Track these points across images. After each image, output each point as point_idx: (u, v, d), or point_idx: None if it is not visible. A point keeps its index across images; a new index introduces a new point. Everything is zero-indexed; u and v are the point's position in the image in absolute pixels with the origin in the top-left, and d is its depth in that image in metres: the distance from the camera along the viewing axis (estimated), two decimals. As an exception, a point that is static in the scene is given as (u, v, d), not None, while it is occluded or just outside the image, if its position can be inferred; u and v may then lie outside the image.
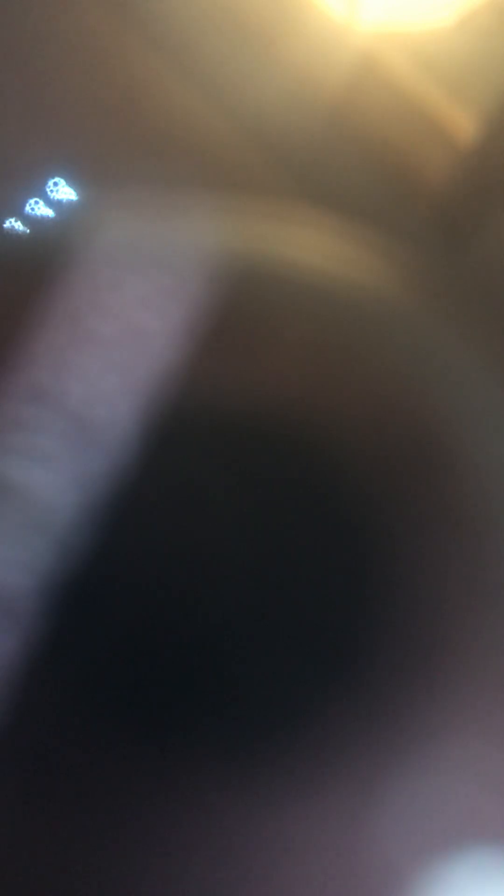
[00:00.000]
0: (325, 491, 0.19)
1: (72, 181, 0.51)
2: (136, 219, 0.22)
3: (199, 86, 0.50)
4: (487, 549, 0.20)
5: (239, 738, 0.18)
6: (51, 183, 0.51)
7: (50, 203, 0.50)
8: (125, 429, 0.19)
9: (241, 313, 0.20)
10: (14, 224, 0.49)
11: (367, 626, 0.19)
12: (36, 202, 0.51)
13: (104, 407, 0.19)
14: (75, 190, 0.51)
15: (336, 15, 0.49)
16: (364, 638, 0.19)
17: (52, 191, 0.51)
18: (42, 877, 0.18)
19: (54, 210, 0.50)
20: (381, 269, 0.22)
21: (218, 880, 0.18)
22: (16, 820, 0.18)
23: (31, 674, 0.18)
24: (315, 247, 0.22)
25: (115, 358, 0.20)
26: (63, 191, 0.51)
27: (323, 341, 0.21)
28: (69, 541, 0.19)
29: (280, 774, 0.18)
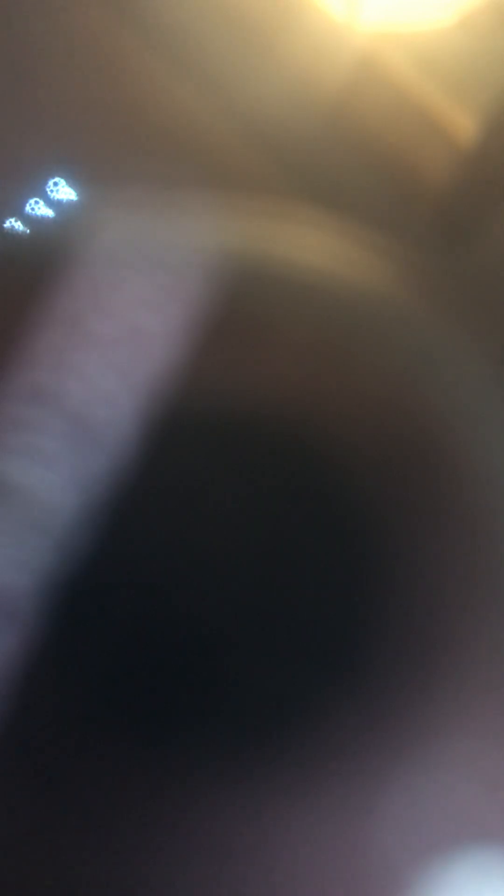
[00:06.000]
0: (325, 491, 0.19)
1: (72, 181, 0.51)
2: (136, 219, 0.22)
3: (199, 86, 0.50)
4: (487, 549, 0.20)
5: (239, 738, 0.18)
6: (51, 183, 0.51)
7: (50, 203, 0.50)
8: (125, 429, 0.19)
9: (241, 313, 0.20)
10: (14, 224, 0.49)
11: (366, 625, 0.19)
12: (36, 202, 0.51)
13: (104, 407, 0.19)
14: (75, 190, 0.51)
15: (336, 15, 0.49)
16: (364, 637, 0.19)
17: (52, 191, 0.51)
18: (42, 876, 0.18)
19: (54, 210, 0.50)
20: (381, 269, 0.22)
21: (218, 880, 0.18)
22: (16, 819, 0.18)
23: (31, 674, 0.18)
24: (315, 247, 0.22)
25: (115, 358, 0.20)
26: (63, 191, 0.51)
27: (323, 341, 0.21)
28: (69, 541, 0.19)
29: (280, 774, 0.18)
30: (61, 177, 0.51)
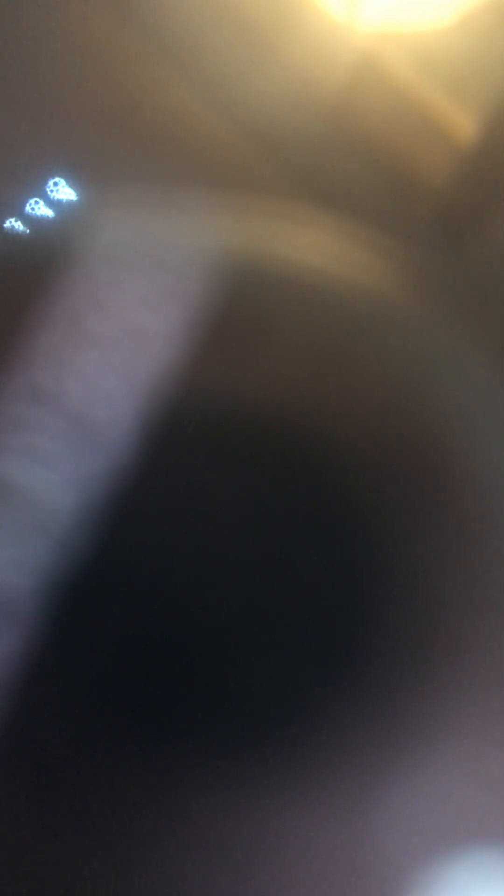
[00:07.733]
0: (324, 490, 0.19)
1: (72, 181, 0.51)
2: (136, 219, 0.22)
3: (199, 86, 0.50)
4: (487, 549, 0.20)
5: (240, 738, 0.18)
6: (51, 183, 0.51)
7: (50, 203, 0.51)
8: (125, 429, 0.19)
9: (241, 313, 0.20)
10: (14, 224, 0.49)
11: (367, 625, 0.19)
12: (36, 202, 0.51)
13: (104, 407, 0.19)
14: (75, 190, 0.51)
15: (336, 15, 0.49)
16: (364, 638, 0.19)
17: (52, 191, 0.51)
18: (43, 876, 0.18)
19: (54, 210, 0.50)
20: (380, 269, 0.22)
21: (218, 879, 0.18)
22: (16, 819, 0.18)
23: (31, 674, 0.18)
24: (315, 247, 0.22)
25: (115, 358, 0.20)
26: (63, 191, 0.51)
27: (322, 340, 0.21)
28: (69, 541, 0.19)
29: (280, 774, 0.18)
30: (61, 177, 0.51)
